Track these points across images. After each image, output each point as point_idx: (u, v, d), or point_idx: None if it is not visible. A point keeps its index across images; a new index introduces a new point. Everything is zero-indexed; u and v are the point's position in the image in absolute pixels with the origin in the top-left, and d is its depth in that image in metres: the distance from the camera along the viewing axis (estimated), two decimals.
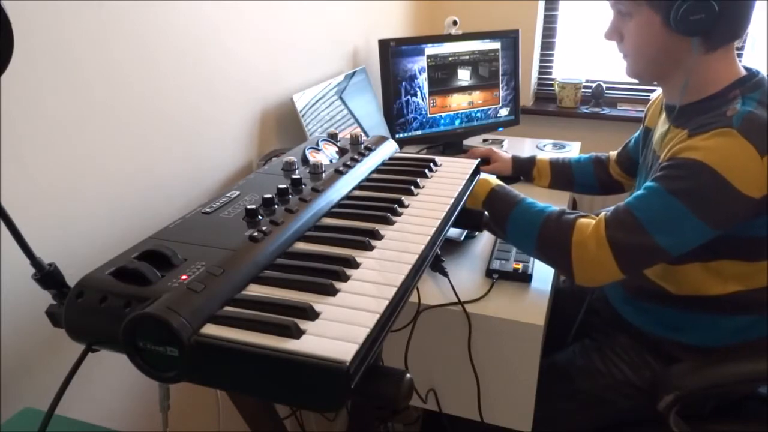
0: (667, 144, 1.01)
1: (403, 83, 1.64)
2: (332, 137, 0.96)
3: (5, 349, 0.73)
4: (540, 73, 2.57)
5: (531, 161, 1.54)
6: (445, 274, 1.06)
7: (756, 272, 0.98)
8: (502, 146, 1.91)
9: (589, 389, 1.12)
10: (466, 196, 0.89)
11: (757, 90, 0.94)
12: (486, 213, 0.91)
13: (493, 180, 1.07)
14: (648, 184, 0.94)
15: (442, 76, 1.72)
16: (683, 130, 0.96)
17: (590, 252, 0.93)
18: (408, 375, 0.52)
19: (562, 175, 1.49)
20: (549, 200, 1.05)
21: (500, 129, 1.88)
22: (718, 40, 0.94)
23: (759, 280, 0.99)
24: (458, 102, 1.76)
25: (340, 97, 1.45)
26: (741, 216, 0.89)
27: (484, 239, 1.26)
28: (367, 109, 1.56)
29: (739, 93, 0.94)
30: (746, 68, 0.99)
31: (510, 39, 1.80)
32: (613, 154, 1.43)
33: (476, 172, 0.95)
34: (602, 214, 0.96)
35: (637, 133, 1.31)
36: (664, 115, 1.10)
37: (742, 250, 0.97)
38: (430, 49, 1.68)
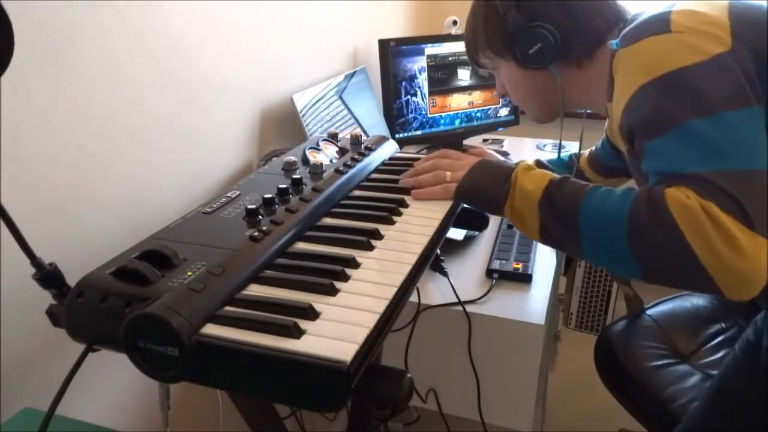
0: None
1: (403, 83, 1.64)
2: (332, 137, 0.96)
3: (5, 349, 0.73)
4: None
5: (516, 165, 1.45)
6: (445, 274, 1.06)
7: None
8: (502, 146, 1.91)
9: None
10: None
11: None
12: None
13: (545, 173, 0.77)
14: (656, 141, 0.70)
15: (442, 76, 1.72)
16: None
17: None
18: (408, 375, 0.52)
19: None
20: None
21: (500, 129, 1.88)
22: (577, 54, 0.88)
23: None
24: (458, 102, 1.76)
25: (340, 97, 1.45)
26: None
27: (484, 239, 1.26)
28: (367, 109, 1.56)
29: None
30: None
31: None
32: (586, 152, 1.36)
33: None
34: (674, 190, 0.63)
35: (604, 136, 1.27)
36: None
37: None
38: (430, 49, 1.67)
